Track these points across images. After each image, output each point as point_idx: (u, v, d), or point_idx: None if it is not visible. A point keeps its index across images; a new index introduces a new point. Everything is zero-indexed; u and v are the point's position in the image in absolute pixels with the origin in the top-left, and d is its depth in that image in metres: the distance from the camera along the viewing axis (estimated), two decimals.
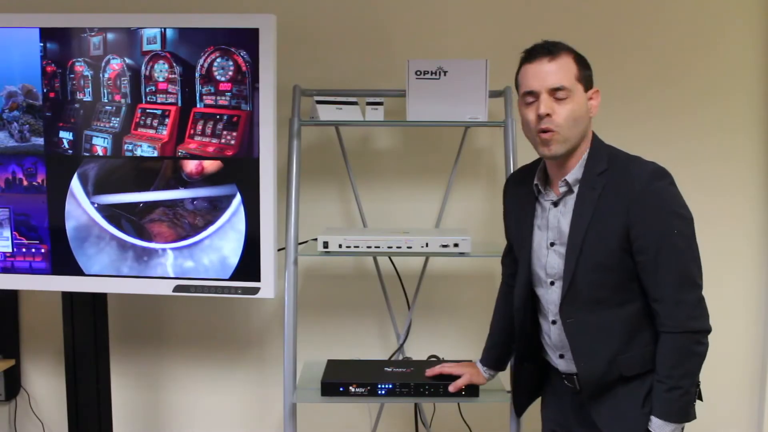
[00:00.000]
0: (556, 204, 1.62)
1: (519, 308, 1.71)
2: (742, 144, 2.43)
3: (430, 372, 1.98)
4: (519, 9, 2.42)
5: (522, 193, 1.71)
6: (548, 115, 1.52)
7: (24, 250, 2.07)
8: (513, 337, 1.80)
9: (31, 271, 2.08)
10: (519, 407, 1.87)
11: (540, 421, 1.86)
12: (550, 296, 1.63)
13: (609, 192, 1.53)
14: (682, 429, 1.55)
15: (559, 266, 1.60)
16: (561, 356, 1.67)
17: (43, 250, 2.07)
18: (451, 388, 1.92)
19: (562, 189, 1.60)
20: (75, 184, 2.03)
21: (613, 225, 1.52)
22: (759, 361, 2.50)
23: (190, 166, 1.99)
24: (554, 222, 1.62)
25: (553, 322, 1.65)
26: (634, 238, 1.51)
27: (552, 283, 1.63)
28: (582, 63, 1.57)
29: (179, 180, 2.00)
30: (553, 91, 1.52)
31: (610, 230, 1.52)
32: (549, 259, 1.62)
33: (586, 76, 1.57)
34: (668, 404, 1.51)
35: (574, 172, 1.58)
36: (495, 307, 1.93)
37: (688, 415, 1.53)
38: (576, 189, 1.58)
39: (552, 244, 1.62)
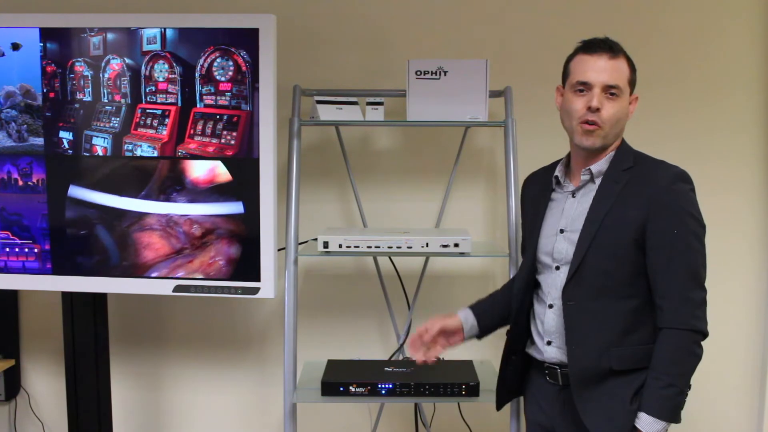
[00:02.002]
0: (573, 194, 1.67)
1: (519, 291, 1.74)
2: (742, 144, 2.43)
3: (412, 344, 1.80)
4: (519, 9, 2.41)
5: (539, 186, 1.77)
6: (598, 109, 1.57)
7: (17, 249, 2.07)
8: (508, 312, 1.80)
9: (24, 270, 2.08)
10: (498, 401, 1.86)
11: None
12: (553, 280, 1.66)
13: (632, 187, 1.58)
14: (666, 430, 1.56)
15: (567, 251, 1.63)
16: (549, 343, 1.68)
17: (36, 250, 2.07)
18: (425, 335, 1.76)
19: (585, 177, 1.64)
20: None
21: (631, 217, 1.56)
22: (759, 362, 2.50)
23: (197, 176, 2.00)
24: (569, 210, 1.66)
25: (550, 306, 1.67)
26: (651, 232, 1.55)
27: (557, 268, 1.65)
28: (633, 68, 1.62)
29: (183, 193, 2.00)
30: (607, 88, 1.57)
31: (627, 222, 1.56)
32: (557, 244, 1.65)
33: (633, 80, 1.62)
34: (662, 401, 1.52)
35: (600, 164, 1.63)
36: (506, 283, 1.94)
37: (676, 415, 1.54)
38: (598, 181, 1.63)
39: (562, 231, 1.65)
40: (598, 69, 1.57)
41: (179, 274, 2.04)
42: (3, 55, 1.94)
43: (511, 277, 1.99)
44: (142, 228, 2.03)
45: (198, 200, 2.01)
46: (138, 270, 2.04)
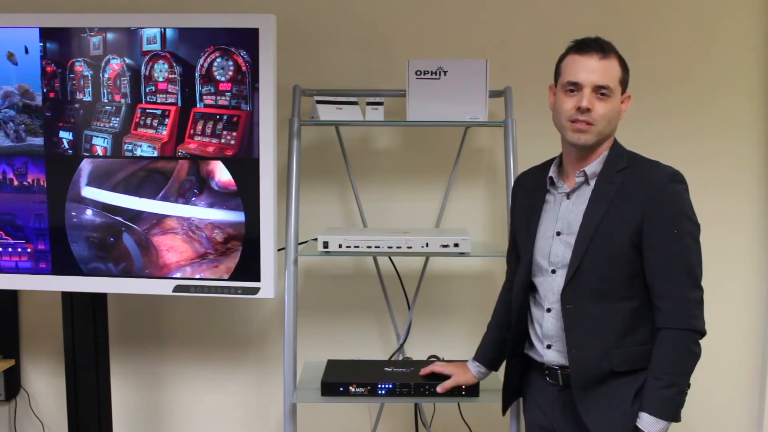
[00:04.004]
0: (568, 196, 1.66)
1: (518, 295, 1.74)
2: (742, 144, 2.43)
3: (423, 371, 2.00)
4: (519, 9, 2.41)
5: (533, 186, 1.75)
6: (588, 110, 1.56)
7: (10, 249, 2.07)
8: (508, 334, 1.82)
9: (17, 270, 2.08)
10: (504, 406, 1.87)
11: None
12: (550, 284, 1.66)
13: (626, 188, 1.58)
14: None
15: (563, 255, 1.62)
16: (549, 347, 1.68)
17: (29, 250, 2.07)
18: (439, 389, 1.95)
19: (579, 179, 1.64)
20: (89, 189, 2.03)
21: (627, 219, 1.56)
22: (759, 361, 2.50)
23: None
24: (564, 212, 1.65)
25: (548, 310, 1.66)
26: (647, 233, 1.55)
27: (553, 272, 1.65)
28: (624, 67, 1.62)
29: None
30: (597, 88, 1.57)
31: (624, 223, 1.56)
32: (553, 248, 1.65)
33: (625, 80, 1.62)
34: (663, 401, 1.53)
35: (593, 166, 1.63)
36: (496, 305, 1.94)
37: (677, 414, 1.55)
38: (593, 182, 1.62)
39: (558, 234, 1.64)
40: (589, 69, 1.57)
41: (177, 274, 2.04)
42: (17, 64, 1.94)
43: (499, 287, 1.96)
44: (147, 229, 2.03)
45: (198, 202, 2.01)
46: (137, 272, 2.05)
